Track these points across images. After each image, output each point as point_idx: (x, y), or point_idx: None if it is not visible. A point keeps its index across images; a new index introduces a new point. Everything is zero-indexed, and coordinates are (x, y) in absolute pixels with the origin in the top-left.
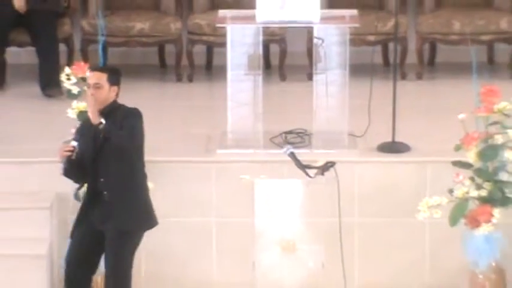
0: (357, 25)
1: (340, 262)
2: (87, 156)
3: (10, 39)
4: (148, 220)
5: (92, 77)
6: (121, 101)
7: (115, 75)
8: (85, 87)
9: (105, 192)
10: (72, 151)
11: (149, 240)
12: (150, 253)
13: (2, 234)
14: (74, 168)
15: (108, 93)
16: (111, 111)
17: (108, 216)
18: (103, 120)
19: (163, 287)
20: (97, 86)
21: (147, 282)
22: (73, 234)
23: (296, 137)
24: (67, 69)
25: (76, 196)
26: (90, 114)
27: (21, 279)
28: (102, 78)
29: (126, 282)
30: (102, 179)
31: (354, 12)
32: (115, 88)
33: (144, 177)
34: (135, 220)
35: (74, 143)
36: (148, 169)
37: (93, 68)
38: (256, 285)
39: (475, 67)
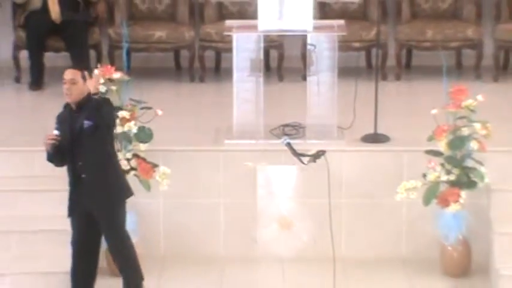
0: (344, 33)
1: (330, 237)
2: (65, 143)
3: (47, 46)
4: (125, 192)
5: (68, 73)
6: (143, 97)
7: (87, 73)
8: (112, 87)
9: (83, 175)
10: (55, 139)
11: (167, 219)
12: (167, 230)
13: (43, 212)
14: (56, 153)
15: (83, 88)
16: (86, 102)
17: (91, 197)
18: (87, 122)
19: (179, 260)
20: (72, 82)
21: (165, 256)
22: (70, 216)
23: (292, 129)
24: (96, 71)
25: None
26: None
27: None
28: (77, 74)
29: (129, 250)
30: (80, 163)
31: (342, 22)
32: (87, 83)
33: (115, 156)
34: (115, 196)
35: (56, 132)
36: (166, 157)
37: (69, 67)
38: (257, 256)
39: (445, 70)
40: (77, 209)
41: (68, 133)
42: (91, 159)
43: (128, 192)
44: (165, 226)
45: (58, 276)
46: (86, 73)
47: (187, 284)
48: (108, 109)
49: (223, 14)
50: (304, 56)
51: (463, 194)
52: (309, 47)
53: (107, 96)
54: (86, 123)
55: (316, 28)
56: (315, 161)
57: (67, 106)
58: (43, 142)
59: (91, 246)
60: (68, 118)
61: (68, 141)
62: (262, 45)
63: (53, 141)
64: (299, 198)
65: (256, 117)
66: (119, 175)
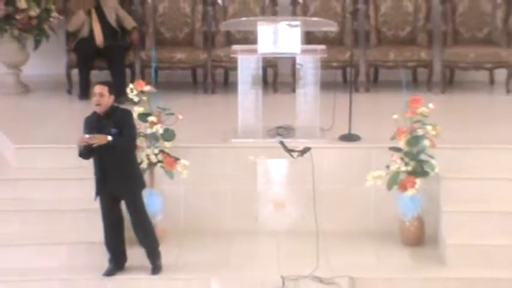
0: (325, 55)
1: (314, 214)
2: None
3: (93, 65)
4: (143, 182)
5: (98, 88)
6: (167, 105)
7: (112, 88)
8: (143, 97)
9: (108, 169)
10: (86, 141)
11: (186, 201)
12: (186, 210)
13: (86, 195)
14: (86, 151)
15: (108, 99)
16: (111, 111)
17: (116, 185)
18: (110, 138)
19: (195, 233)
20: (100, 94)
21: (185, 230)
22: (96, 197)
23: (284, 131)
24: (131, 85)
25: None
26: (97, 141)
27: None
28: (104, 88)
29: (149, 224)
30: (106, 159)
31: (323, 47)
32: (112, 96)
33: (134, 153)
34: (135, 184)
35: (86, 136)
36: (185, 152)
37: (98, 82)
38: (257, 230)
39: (404, 84)
40: (103, 192)
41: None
42: (115, 156)
43: (144, 183)
44: (184, 206)
45: (98, 245)
46: (111, 88)
47: (202, 251)
48: (131, 121)
49: (230, 40)
50: (293, 73)
51: (418, 181)
52: (297, 66)
53: (139, 104)
54: (113, 130)
55: (303, 51)
56: (302, 156)
57: (95, 113)
58: (77, 142)
59: (116, 220)
60: (97, 124)
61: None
62: (261, 64)
63: (85, 143)
64: (290, 185)
65: (256, 121)
66: (137, 168)
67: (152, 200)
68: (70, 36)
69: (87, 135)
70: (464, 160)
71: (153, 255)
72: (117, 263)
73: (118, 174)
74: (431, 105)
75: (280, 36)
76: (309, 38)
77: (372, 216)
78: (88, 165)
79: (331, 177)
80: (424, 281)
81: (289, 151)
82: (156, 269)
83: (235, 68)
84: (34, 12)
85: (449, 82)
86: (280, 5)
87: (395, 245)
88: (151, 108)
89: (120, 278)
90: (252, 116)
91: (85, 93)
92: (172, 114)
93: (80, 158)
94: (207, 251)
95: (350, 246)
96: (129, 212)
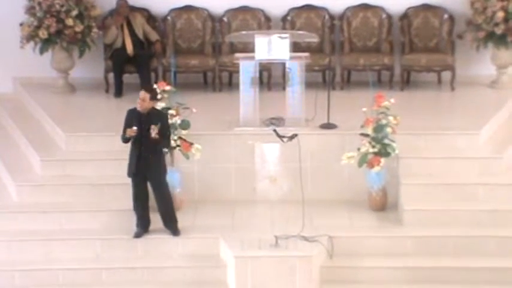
0: (309, 61)
1: (300, 187)
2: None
3: (125, 70)
4: (166, 167)
5: (142, 94)
6: (184, 101)
7: (154, 95)
8: (165, 95)
9: (144, 154)
10: (135, 132)
11: (199, 177)
12: (199, 184)
13: (122, 173)
14: (128, 139)
15: (149, 103)
16: (151, 112)
17: (149, 167)
18: (153, 127)
19: (207, 202)
20: (143, 99)
21: (198, 200)
22: (129, 175)
23: (276, 121)
24: (155, 86)
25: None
26: (134, 134)
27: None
28: (147, 95)
29: (170, 194)
30: (143, 147)
31: (307, 54)
32: (152, 102)
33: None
34: (162, 169)
35: (135, 128)
36: (198, 138)
37: (143, 88)
38: (255, 200)
39: (371, 83)
40: (135, 172)
41: (138, 129)
42: (152, 147)
43: (166, 167)
44: (198, 181)
45: (131, 212)
46: (153, 95)
47: (212, 216)
48: (167, 123)
49: (233, 49)
50: (284, 75)
51: (382, 160)
52: (287, 69)
53: (162, 100)
54: (153, 127)
55: (291, 58)
56: (291, 140)
57: (136, 109)
58: (127, 132)
59: (143, 193)
60: (139, 119)
61: (137, 133)
62: (258, 68)
63: (133, 134)
64: (281, 163)
65: (254, 113)
66: (163, 157)
67: (172, 176)
68: (107, 47)
69: (135, 128)
70: (418, 143)
71: (171, 221)
72: (143, 226)
73: (151, 160)
74: (392, 100)
75: (273, 46)
76: (296, 47)
77: (346, 188)
78: (122, 149)
79: (314, 157)
80: (387, 239)
81: (280, 137)
82: (175, 232)
83: (237, 71)
84: (79, 28)
85: (406, 82)
86: (273, 21)
87: (364, 211)
88: (171, 103)
89: (148, 238)
90: (250, 109)
91: (119, 92)
92: (188, 108)
93: (121, 143)
94: (216, 216)
95: (329, 211)
96: (154, 188)
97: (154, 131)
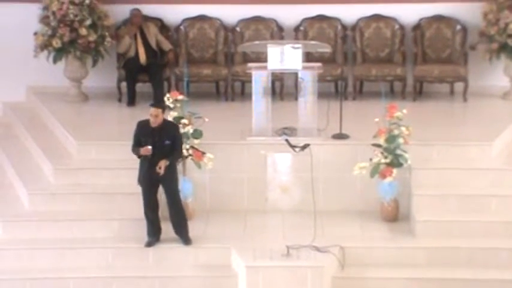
0: (321, 71)
1: (312, 197)
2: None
3: (138, 79)
4: (178, 177)
5: (154, 111)
6: (196, 110)
7: (164, 107)
8: (177, 104)
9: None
10: (150, 152)
11: (211, 186)
12: (211, 193)
13: (134, 181)
14: (141, 155)
15: (160, 118)
16: (162, 124)
17: (163, 176)
18: (167, 142)
19: (218, 211)
20: (156, 115)
21: (209, 209)
22: (139, 183)
23: (288, 131)
24: (168, 95)
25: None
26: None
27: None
28: (159, 111)
29: (181, 204)
30: (156, 159)
31: (319, 64)
32: (163, 115)
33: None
34: (175, 178)
35: (149, 147)
36: (210, 148)
37: (153, 105)
38: (267, 209)
39: (384, 94)
40: (147, 181)
41: (150, 143)
42: (162, 156)
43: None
44: (209, 190)
45: (143, 221)
46: (164, 109)
47: (224, 226)
48: (180, 135)
49: (246, 59)
50: (296, 85)
51: (394, 170)
52: (299, 79)
53: (174, 110)
54: (167, 142)
55: (304, 68)
56: (303, 150)
57: (148, 122)
58: (142, 151)
59: (154, 201)
60: (151, 133)
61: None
62: (270, 78)
63: (148, 153)
64: (293, 173)
65: (266, 123)
66: (176, 166)
67: (184, 185)
68: (120, 56)
69: (149, 147)
70: (430, 154)
71: (183, 229)
72: (155, 235)
73: (164, 169)
74: (405, 111)
75: (285, 56)
76: (308, 57)
77: (358, 198)
78: (134, 158)
79: (325, 167)
80: (398, 249)
81: (293, 147)
82: (187, 240)
83: (250, 81)
84: (92, 37)
85: (419, 93)
86: (285, 31)
87: (376, 221)
88: (184, 112)
89: (159, 247)
90: (263, 119)
91: (132, 101)
92: (200, 117)
93: (132, 153)
94: (228, 226)
95: (340, 222)
96: (167, 196)
97: (161, 169)
